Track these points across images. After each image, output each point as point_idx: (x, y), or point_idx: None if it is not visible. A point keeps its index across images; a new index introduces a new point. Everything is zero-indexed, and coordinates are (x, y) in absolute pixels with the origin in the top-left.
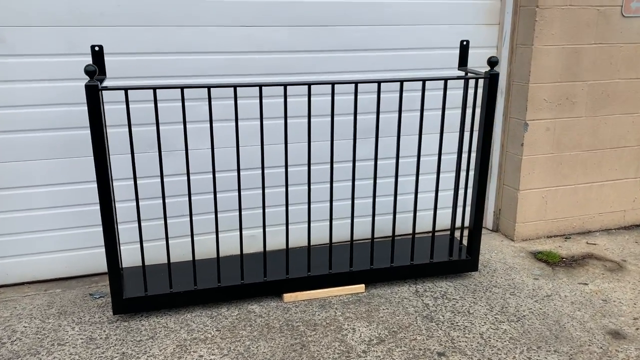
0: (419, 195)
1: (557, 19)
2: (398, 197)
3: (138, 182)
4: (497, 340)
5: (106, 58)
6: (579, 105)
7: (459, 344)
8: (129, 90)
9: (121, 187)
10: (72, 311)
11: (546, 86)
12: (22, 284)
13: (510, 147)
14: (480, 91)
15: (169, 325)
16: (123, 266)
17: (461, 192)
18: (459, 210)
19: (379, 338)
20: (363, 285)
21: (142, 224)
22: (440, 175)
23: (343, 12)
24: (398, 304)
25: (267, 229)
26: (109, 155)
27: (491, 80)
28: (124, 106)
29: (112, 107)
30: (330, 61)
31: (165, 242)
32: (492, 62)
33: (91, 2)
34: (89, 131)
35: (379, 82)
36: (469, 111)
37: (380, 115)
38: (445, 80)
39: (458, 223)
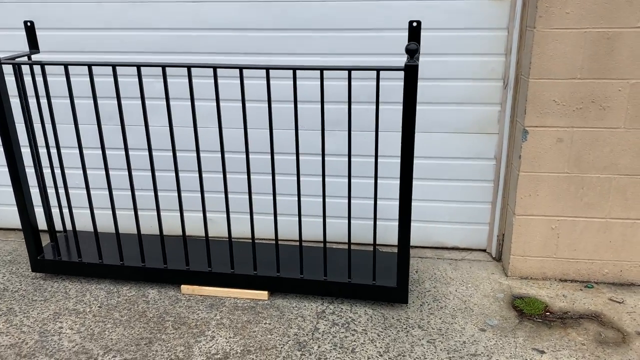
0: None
1: None
2: (352, 201)
3: (92, 152)
4: None
5: (59, 33)
6: (613, 112)
7: None
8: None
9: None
10: (17, 260)
11: (557, 83)
12: None
13: (514, 159)
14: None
15: (69, 292)
16: (77, 229)
17: (437, 204)
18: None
19: (225, 354)
20: (266, 293)
21: (92, 192)
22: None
23: None
24: (287, 321)
25: (208, 215)
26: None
27: (407, 73)
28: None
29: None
30: (288, 41)
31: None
32: (410, 50)
33: None
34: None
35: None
36: (393, 107)
37: (338, 107)
38: (349, 70)
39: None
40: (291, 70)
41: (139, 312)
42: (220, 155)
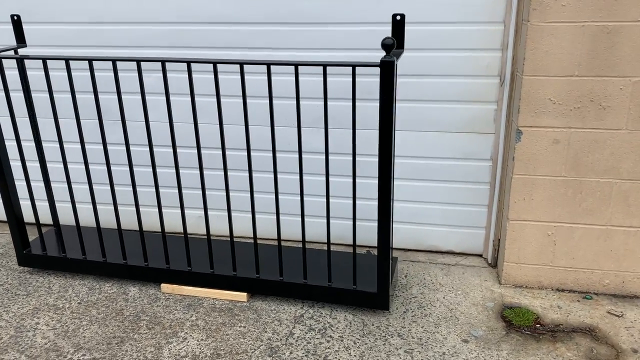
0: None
1: None
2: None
3: (75, 147)
4: None
5: (43, 27)
6: (614, 112)
7: None
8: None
9: (72, 150)
10: (8, 253)
11: (553, 81)
12: None
13: (509, 161)
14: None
15: (52, 288)
16: (67, 223)
17: (426, 205)
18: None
19: (194, 357)
20: (245, 294)
21: (80, 187)
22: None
23: None
24: (263, 325)
25: (186, 212)
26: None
27: (383, 69)
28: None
29: (59, 74)
30: (270, 35)
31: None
32: (386, 45)
33: None
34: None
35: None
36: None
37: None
38: (324, 65)
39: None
40: (266, 66)
41: (117, 310)
42: (197, 151)
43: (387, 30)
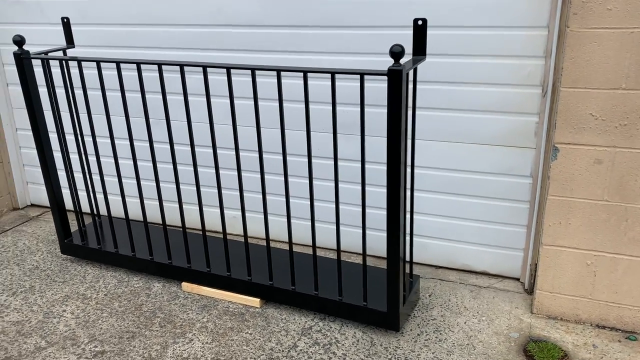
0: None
1: None
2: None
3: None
4: None
5: (93, 28)
6: None
7: None
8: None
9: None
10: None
11: (595, 94)
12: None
13: (546, 180)
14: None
15: (86, 277)
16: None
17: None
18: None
19: (203, 359)
20: (258, 300)
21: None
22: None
23: None
24: (269, 334)
25: (210, 210)
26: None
27: (390, 78)
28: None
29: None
30: (307, 39)
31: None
32: (395, 52)
33: None
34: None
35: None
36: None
37: (354, 109)
38: (332, 73)
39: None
40: (276, 72)
41: (136, 305)
42: (212, 151)
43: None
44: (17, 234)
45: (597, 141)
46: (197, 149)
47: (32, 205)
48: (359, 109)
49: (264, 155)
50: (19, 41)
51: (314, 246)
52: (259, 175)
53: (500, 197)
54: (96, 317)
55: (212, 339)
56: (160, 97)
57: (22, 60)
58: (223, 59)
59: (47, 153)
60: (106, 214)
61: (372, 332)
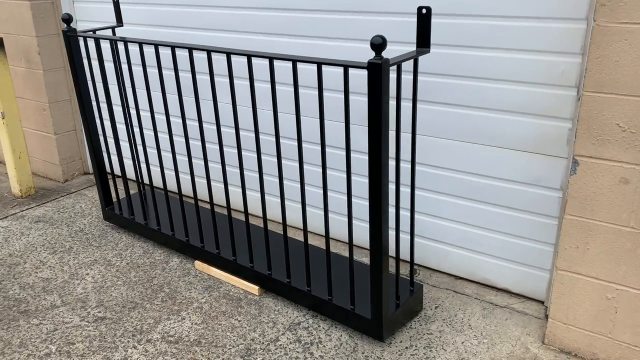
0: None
1: None
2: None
3: (176, 120)
4: None
5: (144, 7)
6: None
7: None
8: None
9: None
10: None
11: (624, 101)
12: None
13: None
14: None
15: (118, 244)
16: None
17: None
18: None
19: (178, 338)
20: (257, 288)
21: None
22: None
23: None
24: (256, 324)
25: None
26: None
27: (370, 72)
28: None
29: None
30: (335, 24)
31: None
32: (375, 44)
33: None
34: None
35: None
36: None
37: None
38: (318, 64)
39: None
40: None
41: (149, 277)
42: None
43: (441, 24)
44: (79, 197)
45: (624, 157)
46: (223, 130)
47: (109, 172)
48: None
49: (282, 141)
50: (67, 19)
51: (305, 237)
52: (289, 163)
53: (526, 210)
54: (111, 284)
55: (202, 321)
56: (191, 77)
57: (69, 38)
58: (264, 43)
59: (90, 125)
60: (149, 185)
61: (360, 337)
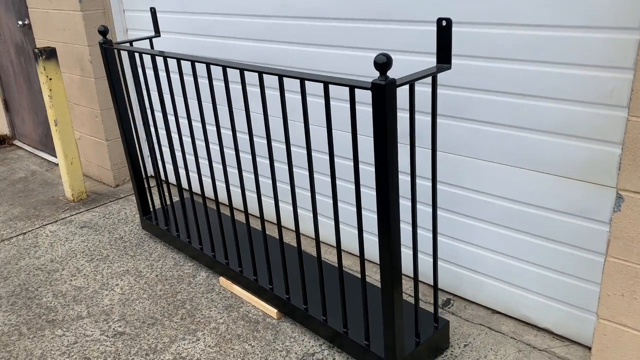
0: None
1: None
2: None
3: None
4: None
5: (178, 16)
6: None
7: None
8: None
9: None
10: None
11: None
12: None
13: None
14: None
15: (152, 255)
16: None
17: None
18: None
19: None
20: (276, 312)
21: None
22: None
23: None
24: (269, 351)
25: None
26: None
27: (374, 93)
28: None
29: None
30: (365, 33)
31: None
32: (378, 63)
33: None
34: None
35: (280, 76)
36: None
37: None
38: (325, 83)
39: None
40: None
41: (174, 292)
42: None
43: (481, 34)
44: (125, 203)
45: None
46: (256, 140)
47: (152, 176)
48: (408, 115)
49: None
50: (103, 31)
51: (320, 272)
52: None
53: (570, 244)
54: (137, 297)
55: (216, 343)
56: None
57: (105, 50)
58: (297, 53)
59: (127, 135)
60: (189, 197)
61: None
